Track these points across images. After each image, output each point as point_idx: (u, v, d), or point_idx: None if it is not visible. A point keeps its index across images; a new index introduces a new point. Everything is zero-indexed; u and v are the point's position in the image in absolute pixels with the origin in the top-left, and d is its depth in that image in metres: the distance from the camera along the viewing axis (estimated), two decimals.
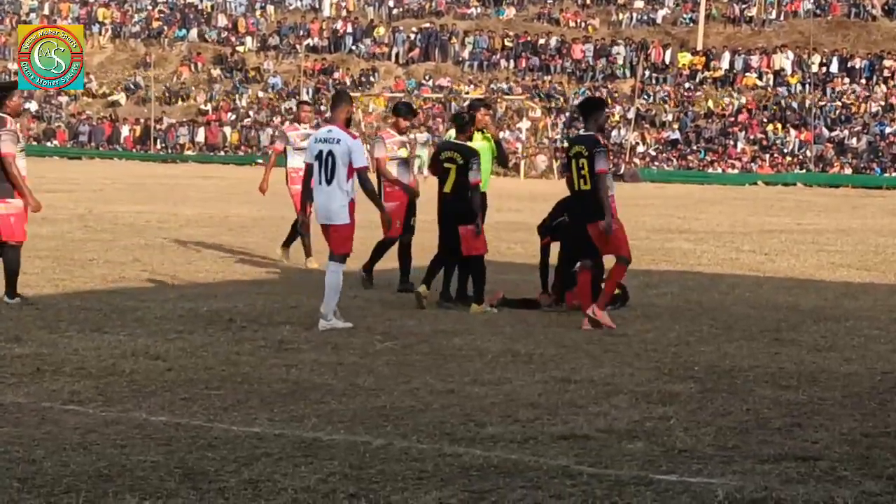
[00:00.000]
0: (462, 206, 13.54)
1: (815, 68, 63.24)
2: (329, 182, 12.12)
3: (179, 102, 74.03)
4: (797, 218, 31.68)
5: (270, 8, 79.98)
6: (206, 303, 13.39)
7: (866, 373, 10.21)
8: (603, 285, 12.89)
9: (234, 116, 70.77)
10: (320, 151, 12.17)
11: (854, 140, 58.09)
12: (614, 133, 61.65)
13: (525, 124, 60.86)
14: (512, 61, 69.93)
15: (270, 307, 13.22)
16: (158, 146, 70.08)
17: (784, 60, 64.46)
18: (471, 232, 13.53)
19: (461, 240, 13.57)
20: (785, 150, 58.89)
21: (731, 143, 60.11)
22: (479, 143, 14.32)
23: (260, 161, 63.88)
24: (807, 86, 62.43)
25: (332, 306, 12.01)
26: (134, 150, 69.35)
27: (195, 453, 7.24)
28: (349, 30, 74.89)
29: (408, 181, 15.31)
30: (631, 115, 62.09)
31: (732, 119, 61.95)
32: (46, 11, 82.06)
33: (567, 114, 63.64)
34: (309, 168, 12.41)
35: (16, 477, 6.71)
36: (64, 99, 75.27)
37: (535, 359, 10.55)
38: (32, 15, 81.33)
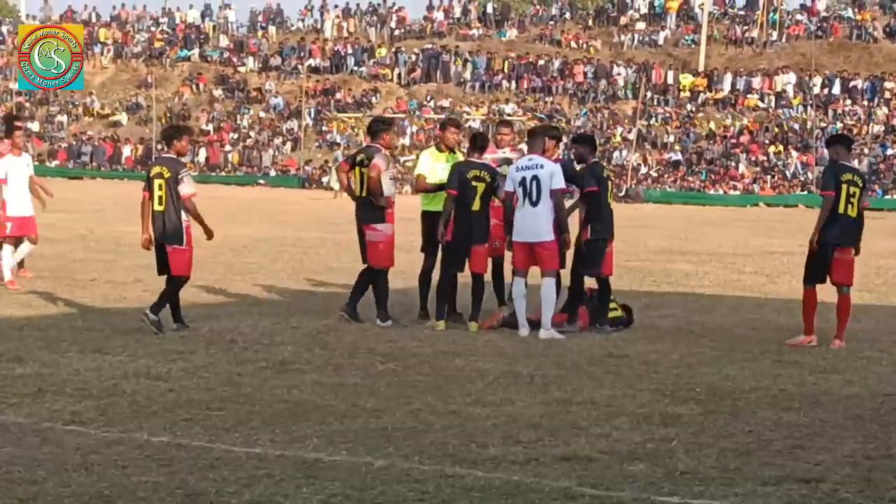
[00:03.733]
0: (484, 225, 13.72)
1: (816, 90, 63.35)
2: (535, 204, 13.10)
3: (181, 123, 74.11)
4: (799, 240, 31.55)
5: (272, 29, 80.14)
6: (208, 323, 13.38)
7: (868, 395, 10.21)
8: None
9: (235, 137, 70.83)
10: (524, 178, 13.12)
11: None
12: (616, 154, 61.73)
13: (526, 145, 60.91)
14: (514, 82, 70.02)
15: (272, 328, 13.21)
16: None
17: (786, 82, 64.57)
18: (486, 251, 13.76)
19: (474, 256, 13.67)
20: (787, 172, 58.95)
21: (733, 164, 60.16)
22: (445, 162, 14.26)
23: (262, 182, 64.01)
24: (808, 107, 62.53)
25: (549, 317, 13.05)
26: (135, 170, 69.32)
27: (196, 474, 7.23)
28: (350, 51, 75.00)
29: None
30: (632, 136, 62.15)
31: (734, 140, 62.00)
32: None
33: (569, 134, 63.72)
34: (510, 196, 13.26)
35: (17, 497, 6.71)
36: (65, 118, 75.37)
37: (537, 380, 10.55)
38: None
